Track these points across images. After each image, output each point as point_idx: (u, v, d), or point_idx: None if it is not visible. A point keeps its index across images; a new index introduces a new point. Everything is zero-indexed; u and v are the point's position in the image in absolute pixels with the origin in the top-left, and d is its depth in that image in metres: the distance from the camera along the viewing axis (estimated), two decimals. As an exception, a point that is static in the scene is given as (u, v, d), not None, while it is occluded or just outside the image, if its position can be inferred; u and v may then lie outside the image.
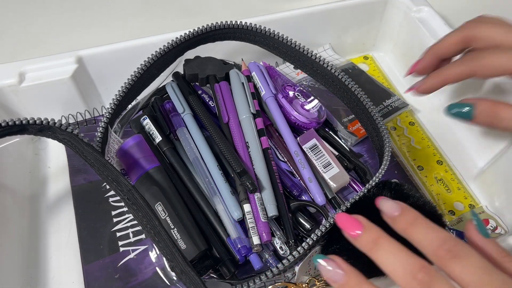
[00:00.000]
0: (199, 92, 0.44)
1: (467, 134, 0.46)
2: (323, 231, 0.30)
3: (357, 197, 0.32)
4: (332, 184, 0.37)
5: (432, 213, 0.33)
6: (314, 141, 0.39)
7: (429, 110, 0.51)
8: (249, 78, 0.43)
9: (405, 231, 0.25)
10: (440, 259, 0.23)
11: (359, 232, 0.25)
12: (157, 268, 0.37)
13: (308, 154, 0.39)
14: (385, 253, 0.24)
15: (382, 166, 0.34)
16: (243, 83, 0.41)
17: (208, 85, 0.42)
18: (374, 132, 0.38)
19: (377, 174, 0.33)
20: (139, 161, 0.37)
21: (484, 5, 0.65)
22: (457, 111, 0.32)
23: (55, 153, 0.48)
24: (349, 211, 0.31)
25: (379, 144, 0.37)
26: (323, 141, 0.40)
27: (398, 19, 0.54)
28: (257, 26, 0.41)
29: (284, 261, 0.30)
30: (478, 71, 0.32)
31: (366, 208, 0.29)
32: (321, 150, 0.39)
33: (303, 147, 0.39)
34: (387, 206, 0.26)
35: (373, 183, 0.32)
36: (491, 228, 0.40)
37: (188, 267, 0.28)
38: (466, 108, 0.31)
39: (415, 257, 0.23)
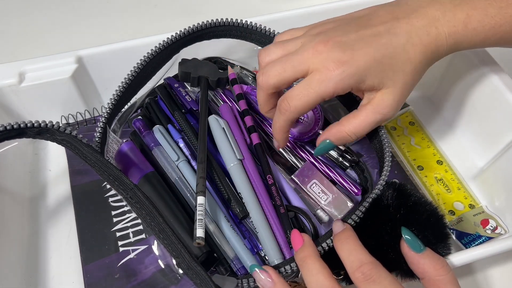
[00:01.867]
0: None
1: (467, 134, 0.46)
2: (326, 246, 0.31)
3: (367, 205, 0.32)
4: (336, 214, 0.36)
5: (432, 214, 0.33)
6: (314, 181, 0.38)
7: (429, 110, 0.51)
8: (235, 81, 0.42)
9: (336, 248, 0.29)
10: (356, 281, 0.26)
11: (298, 248, 0.30)
12: (159, 263, 0.37)
13: (307, 191, 0.38)
14: (307, 272, 0.28)
15: (384, 172, 0.33)
16: (223, 128, 0.38)
17: (198, 87, 0.42)
18: (374, 135, 0.37)
19: (380, 180, 0.33)
20: (132, 168, 0.37)
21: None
22: (322, 148, 0.34)
23: (55, 153, 0.48)
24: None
25: (379, 146, 0.37)
26: (322, 175, 0.38)
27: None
28: (253, 24, 0.41)
29: (293, 264, 0.30)
30: (294, 115, 0.32)
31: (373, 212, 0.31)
32: (321, 187, 0.37)
33: (303, 187, 0.37)
34: (336, 225, 0.30)
35: (378, 191, 0.32)
36: (491, 228, 0.40)
37: (194, 263, 0.28)
38: (327, 142, 0.33)
39: (330, 280, 0.27)
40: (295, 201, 0.37)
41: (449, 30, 0.31)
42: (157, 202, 0.35)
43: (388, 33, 0.30)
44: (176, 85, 0.43)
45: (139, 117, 0.42)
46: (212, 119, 0.39)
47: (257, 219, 0.34)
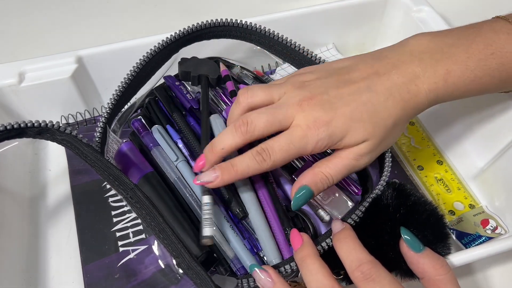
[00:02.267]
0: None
1: (467, 134, 0.46)
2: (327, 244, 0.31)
3: (367, 204, 0.32)
4: (337, 214, 0.36)
5: (432, 213, 0.33)
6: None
7: (429, 110, 0.51)
8: (228, 78, 0.42)
9: (335, 247, 0.29)
10: (356, 280, 0.27)
11: (297, 248, 0.30)
12: (159, 263, 0.37)
13: None
14: (306, 272, 0.28)
15: (385, 173, 0.34)
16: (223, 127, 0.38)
17: (199, 85, 0.42)
18: None
19: (381, 181, 0.33)
20: (132, 168, 0.37)
21: (484, 5, 0.65)
22: (300, 198, 0.31)
23: (55, 153, 0.48)
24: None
25: None
26: None
27: (398, 19, 0.54)
28: (252, 24, 0.41)
29: (293, 263, 0.30)
30: (270, 168, 0.31)
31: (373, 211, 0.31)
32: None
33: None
34: (335, 225, 0.30)
35: (379, 191, 0.32)
36: (491, 228, 0.40)
37: (194, 263, 0.28)
38: (305, 188, 0.31)
39: (329, 279, 0.27)
40: None
41: (430, 87, 0.31)
42: (157, 202, 0.35)
43: (369, 90, 0.30)
44: (177, 83, 0.43)
45: (138, 117, 0.42)
46: (214, 118, 0.39)
47: (256, 219, 0.34)
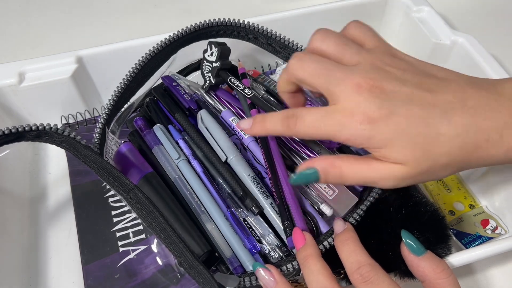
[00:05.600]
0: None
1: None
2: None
3: (368, 203, 0.32)
4: (342, 208, 0.36)
5: (434, 214, 0.33)
6: None
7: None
8: (244, 75, 0.42)
9: (336, 248, 0.29)
10: (355, 282, 0.27)
11: (300, 247, 0.29)
12: (160, 262, 0.37)
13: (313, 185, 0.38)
14: (308, 272, 0.28)
15: None
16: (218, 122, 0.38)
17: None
18: None
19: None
20: (131, 169, 0.37)
21: (484, 5, 0.65)
22: (303, 177, 0.29)
23: (55, 152, 0.48)
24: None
25: None
26: None
27: (398, 19, 0.54)
28: (250, 24, 0.41)
29: (295, 262, 0.30)
30: (292, 135, 0.30)
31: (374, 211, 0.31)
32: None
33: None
34: (337, 225, 0.30)
35: (379, 190, 0.32)
36: (491, 228, 0.40)
37: (196, 262, 0.28)
38: (313, 171, 0.28)
39: (330, 281, 0.27)
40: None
41: None
42: (157, 202, 0.35)
43: (444, 115, 0.25)
44: (174, 84, 0.42)
45: (141, 116, 0.42)
46: (204, 114, 0.39)
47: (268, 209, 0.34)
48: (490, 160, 0.26)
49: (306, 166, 0.28)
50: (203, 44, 0.42)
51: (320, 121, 0.27)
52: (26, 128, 0.31)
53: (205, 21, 0.40)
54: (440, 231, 0.33)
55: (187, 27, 0.40)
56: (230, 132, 0.39)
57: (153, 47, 0.40)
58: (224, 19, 0.41)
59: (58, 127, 0.32)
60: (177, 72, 0.45)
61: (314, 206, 0.37)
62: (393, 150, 0.25)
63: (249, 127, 0.31)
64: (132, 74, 0.39)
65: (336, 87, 0.26)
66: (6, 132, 0.31)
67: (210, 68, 0.42)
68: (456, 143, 0.25)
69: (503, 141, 0.25)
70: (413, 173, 0.26)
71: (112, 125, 0.40)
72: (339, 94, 0.26)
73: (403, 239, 0.28)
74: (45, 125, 0.32)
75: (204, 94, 0.42)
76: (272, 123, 0.30)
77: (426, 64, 0.29)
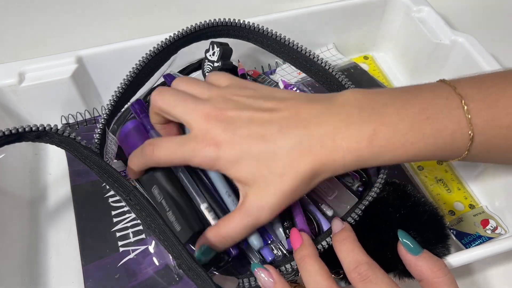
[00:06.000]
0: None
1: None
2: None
3: (367, 203, 0.32)
4: (343, 207, 0.36)
5: (432, 214, 0.33)
6: None
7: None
8: (244, 76, 0.42)
9: (334, 248, 0.29)
10: (353, 281, 0.27)
11: (297, 247, 0.30)
12: (159, 263, 0.37)
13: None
14: (305, 272, 0.28)
15: (382, 170, 0.33)
16: None
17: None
18: None
19: (379, 179, 0.33)
20: (137, 144, 0.37)
21: (484, 5, 0.65)
22: (202, 254, 0.30)
23: (55, 152, 0.48)
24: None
25: None
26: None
27: (398, 19, 0.54)
28: (250, 24, 0.41)
29: (293, 262, 0.30)
30: (153, 163, 0.31)
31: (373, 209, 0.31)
32: (326, 183, 0.36)
33: None
34: (335, 224, 0.30)
35: (377, 189, 0.32)
36: (491, 228, 0.40)
37: (195, 264, 0.28)
38: (205, 247, 0.30)
39: (328, 281, 0.27)
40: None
41: (350, 146, 0.27)
42: (165, 180, 0.34)
43: (280, 130, 0.28)
44: None
45: (138, 99, 0.41)
46: None
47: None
48: (337, 166, 0.28)
49: (199, 245, 0.30)
50: (203, 44, 0.43)
51: (176, 148, 0.30)
52: (27, 129, 0.31)
53: (205, 21, 0.40)
54: (439, 231, 0.33)
55: (187, 27, 0.40)
56: None
57: (154, 47, 0.40)
58: (224, 19, 0.41)
59: (58, 128, 0.32)
60: (177, 72, 0.45)
61: (315, 205, 0.37)
62: (241, 169, 0.28)
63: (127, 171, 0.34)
64: (132, 75, 0.39)
65: (189, 116, 0.30)
66: (6, 133, 0.31)
67: (211, 68, 0.42)
68: (294, 154, 0.28)
69: (336, 144, 0.28)
70: (272, 195, 0.28)
71: (112, 125, 0.40)
72: (192, 123, 0.29)
73: (400, 238, 0.29)
74: (45, 126, 0.32)
75: None
76: (136, 158, 0.32)
77: (271, 89, 0.32)
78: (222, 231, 0.30)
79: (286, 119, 0.29)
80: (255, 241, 0.32)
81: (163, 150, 0.30)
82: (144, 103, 0.41)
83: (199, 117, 0.29)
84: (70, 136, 0.32)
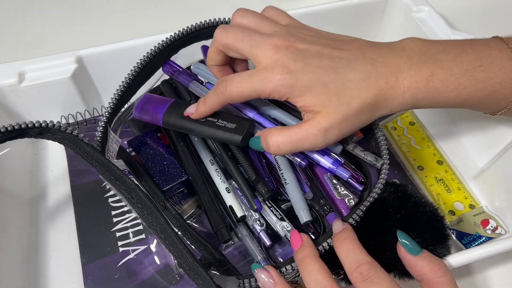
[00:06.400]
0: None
1: (467, 134, 0.46)
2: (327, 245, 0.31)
3: (368, 204, 0.32)
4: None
5: (433, 215, 0.33)
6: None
7: (430, 110, 0.51)
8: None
9: (335, 248, 0.29)
10: (354, 281, 0.27)
11: (297, 248, 0.30)
12: (159, 263, 0.37)
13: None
14: (306, 272, 0.28)
15: (383, 171, 0.33)
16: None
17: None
18: (370, 136, 0.37)
19: (380, 179, 0.33)
20: (158, 105, 0.38)
21: (484, 5, 0.65)
22: (252, 143, 0.33)
23: (55, 152, 0.48)
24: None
25: (376, 148, 0.37)
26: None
27: (398, 19, 0.54)
28: None
29: (294, 263, 0.30)
30: (227, 100, 0.32)
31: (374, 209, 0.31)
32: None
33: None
34: (336, 225, 0.30)
35: (378, 190, 0.32)
36: (491, 228, 0.40)
37: (196, 263, 0.28)
38: (258, 140, 0.33)
39: (328, 280, 0.27)
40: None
41: (409, 85, 0.30)
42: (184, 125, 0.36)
43: (348, 64, 0.30)
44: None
45: (169, 61, 0.42)
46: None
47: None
48: (396, 102, 0.31)
49: (256, 135, 0.33)
50: (204, 44, 0.42)
51: (247, 80, 0.30)
52: (29, 125, 0.31)
53: (205, 21, 0.40)
54: (439, 232, 0.33)
55: (187, 27, 0.40)
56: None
57: (154, 46, 0.40)
58: (224, 18, 0.41)
59: (61, 124, 0.32)
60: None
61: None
62: (313, 96, 0.29)
63: (195, 110, 0.35)
64: (134, 73, 0.39)
65: (257, 49, 0.30)
66: (9, 128, 0.31)
67: None
68: (363, 86, 0.30)
69: (399, 82, 0.30)
70: (335, 120, 0.30)
71: (113, 124, 0.40)
72: (260, 55, 0.30)
73: (399, 239, 0.29)
74: (48, 122, 0.32)
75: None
76: (209, 97, 0.33)
77: (333, 33, 0.34)
78: (275, 137, 0.31)
79: (354, 55, 0.31)
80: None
81: (235, 83, 0.31)
82: (174, 62, 0.42)
83: (268, 49, 0.30)
84: (73, 133, 0.32)
